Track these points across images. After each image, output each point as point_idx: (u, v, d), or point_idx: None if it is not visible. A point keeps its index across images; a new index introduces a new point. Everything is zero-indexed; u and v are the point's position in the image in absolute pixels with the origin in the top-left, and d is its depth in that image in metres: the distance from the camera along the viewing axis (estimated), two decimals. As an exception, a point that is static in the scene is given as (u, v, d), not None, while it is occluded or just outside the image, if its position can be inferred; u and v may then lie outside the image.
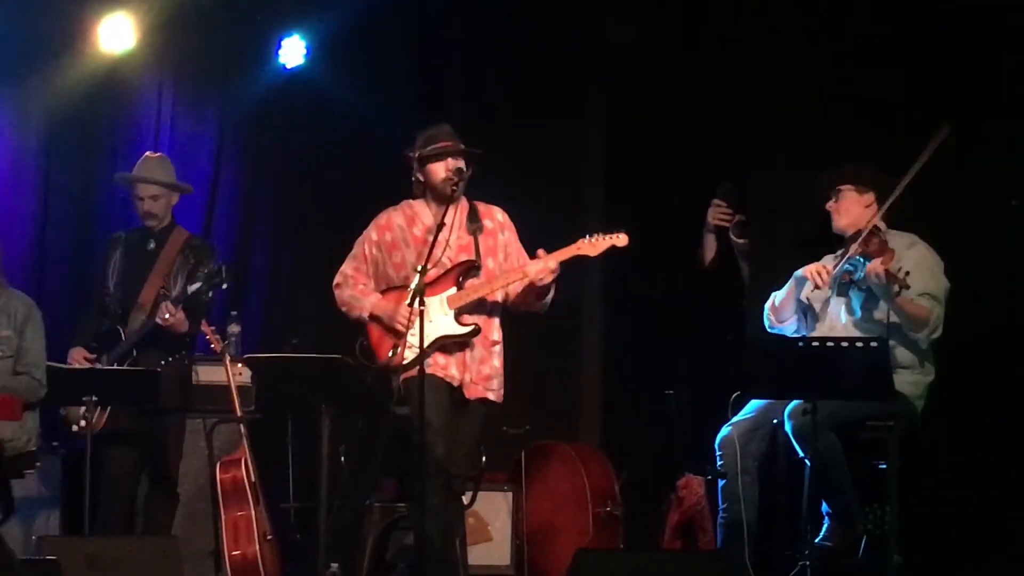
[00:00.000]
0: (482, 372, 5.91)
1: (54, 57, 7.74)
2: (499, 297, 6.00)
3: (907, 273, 5.86)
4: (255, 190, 8.41)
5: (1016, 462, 6.42)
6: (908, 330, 6.04)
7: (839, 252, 6.32)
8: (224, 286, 6.86)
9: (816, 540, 6.06)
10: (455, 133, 6.02)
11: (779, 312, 6.47)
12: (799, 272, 6.35)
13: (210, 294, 6.90)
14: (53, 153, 7.94)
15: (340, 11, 8.05)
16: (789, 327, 6.45)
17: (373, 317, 5.92)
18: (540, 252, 5.91)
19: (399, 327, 5.78)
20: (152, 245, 7.06)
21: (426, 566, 5.65)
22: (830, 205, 6.37)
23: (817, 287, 6.23)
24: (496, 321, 6.01)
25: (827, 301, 6.34)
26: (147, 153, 7.25)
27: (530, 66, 8.24)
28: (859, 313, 6.22)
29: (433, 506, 5.64)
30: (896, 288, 5.88)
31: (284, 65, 8.25)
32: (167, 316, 6.70)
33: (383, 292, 5.98)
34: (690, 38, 7.82)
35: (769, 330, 6.54)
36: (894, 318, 6.06)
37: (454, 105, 7.94)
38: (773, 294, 6.52)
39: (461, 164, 5.93)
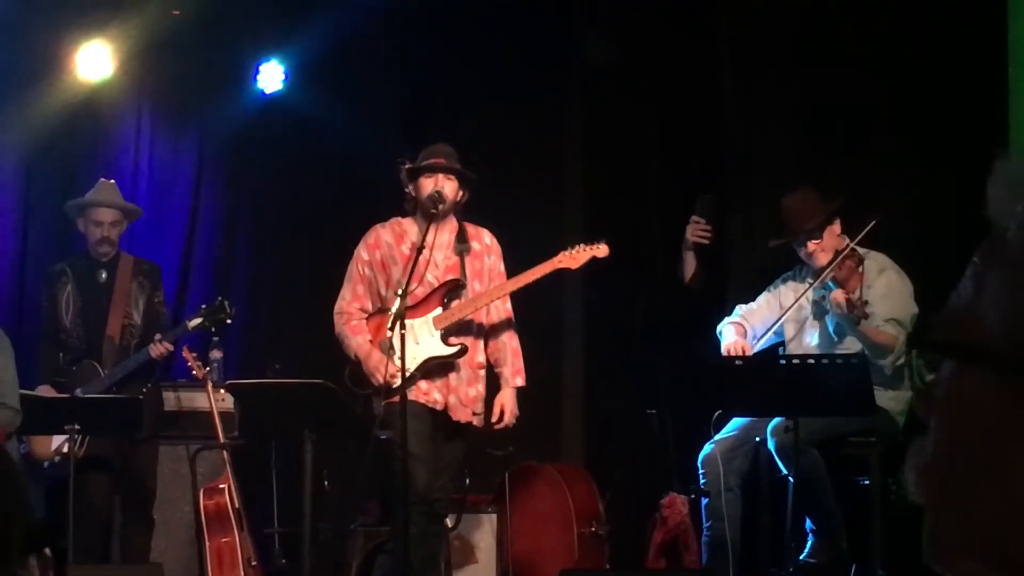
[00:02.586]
0: (468, 394, 5.92)
1: (32, 86, 7.73)
2: (483, 318, 6.00)
3: (866, 303, 5.91)
4: (235, 215, 8.41)
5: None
6: (873, 357, 6.02)
7: (814, 274, 6.32)
8: (229, 321, 6.89)
9: (801, 557, 6.07)
10: (454, 155, 6.02)
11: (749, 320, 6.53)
12: (724, 342, 6.39)
13: (213, 329, 6.93)
14: (32, 182, 7.93)
15: (318, 36, 8.07)
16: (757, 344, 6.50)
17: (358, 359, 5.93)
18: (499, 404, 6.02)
19: (374, 380, 5.78)
20: (104, 276, 7.05)
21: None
22: (814, 244, 6.32)
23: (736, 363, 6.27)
24: (481, 344, 6.02)
25: (803, 324, 6.36)
26: (101, 179, 7.23)
27: (509, 83, 8.26)
28: (835, 339, 6.24)
29: (415, 536, 5.63)
30: (856, 317, 5.92)
31: (262, 90, 8.25)
32: (163, 352, 6.74)
33: (369, 317, 5.98)
34: (669, 52, 7.85)
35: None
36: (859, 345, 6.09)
37: (433, 125, 7.94)
38: (738, 307, 6.56)
39: (448, 186, 5.92)
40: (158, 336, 6.83)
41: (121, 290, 7.01)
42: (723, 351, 6.34)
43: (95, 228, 7.02)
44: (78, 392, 6.77)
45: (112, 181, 7.25)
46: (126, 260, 7.12)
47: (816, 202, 6.33)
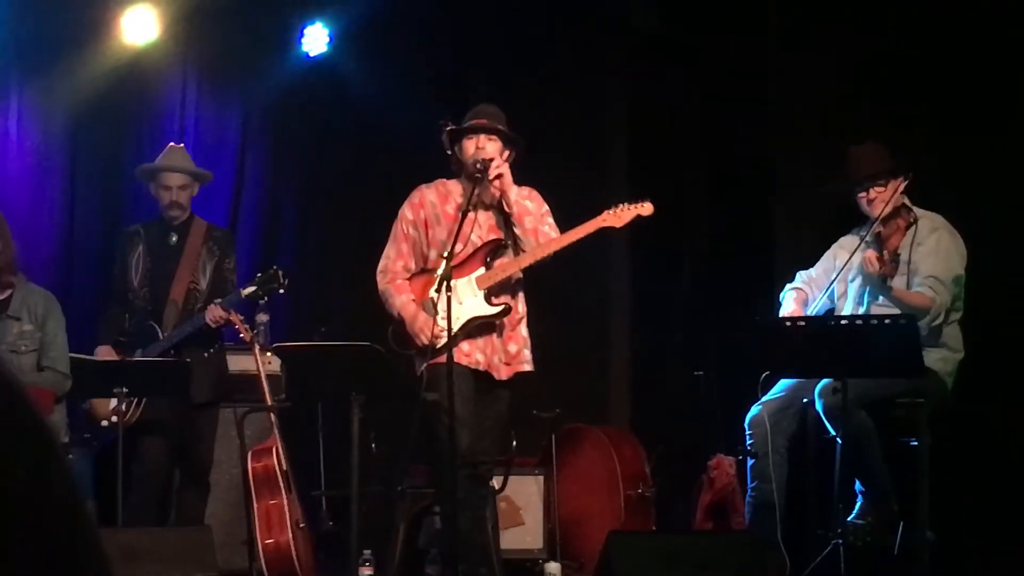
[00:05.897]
0: (510, 351, 5.88)
1: (78, 50, 7.76)
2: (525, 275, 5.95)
3: (897, 256, 5.86)
4: (280, 178, 8.43)
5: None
6: None
7: (863, 232, 6.26)
8: (282, 291, 6.88)
9: (849, 518, 6.05)
10: (499, 115, 5.96)
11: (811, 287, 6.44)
12: (783, 312, 6.32)
13: (265, 298, 6.93)
14: (79, 146, 7.96)
15: (362, -2, 8.07)
16: (811, 308, 6.41)
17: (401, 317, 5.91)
18: None
19: (419, 340, 5.76)
20: (175, 239, 7.04)
21: (458, 555, 5.65)
22: (876, 191, 6.23)
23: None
24: (521, 295, 5.97)
25: (849, 283, 6.31)
26: (170, 144, 7.23)
27: (552, 45, 8.23)
28: (880, 297, 6.18)
29: (460, 498, 5.63)
30: (883, 275, 5.88)
31: (307, 53, 8.26)
32: (216, 317, 6.73)
33: (411, 277, 5.95)
34: (713, 12, 7.80)
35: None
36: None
37: (476, 88, 7.92)
38: (799, 274, 6.48)
39: (491, 146, 5.87)
40: (217, 300, 6.82)
41: (190, 254, 7.00)
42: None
43: (164, 192, 7.01)
44: (139, 353, 6.80)
45: (181, 145, 7.22)
46: (199, 225, 7.09)
47: (884, 153, 6.27)
